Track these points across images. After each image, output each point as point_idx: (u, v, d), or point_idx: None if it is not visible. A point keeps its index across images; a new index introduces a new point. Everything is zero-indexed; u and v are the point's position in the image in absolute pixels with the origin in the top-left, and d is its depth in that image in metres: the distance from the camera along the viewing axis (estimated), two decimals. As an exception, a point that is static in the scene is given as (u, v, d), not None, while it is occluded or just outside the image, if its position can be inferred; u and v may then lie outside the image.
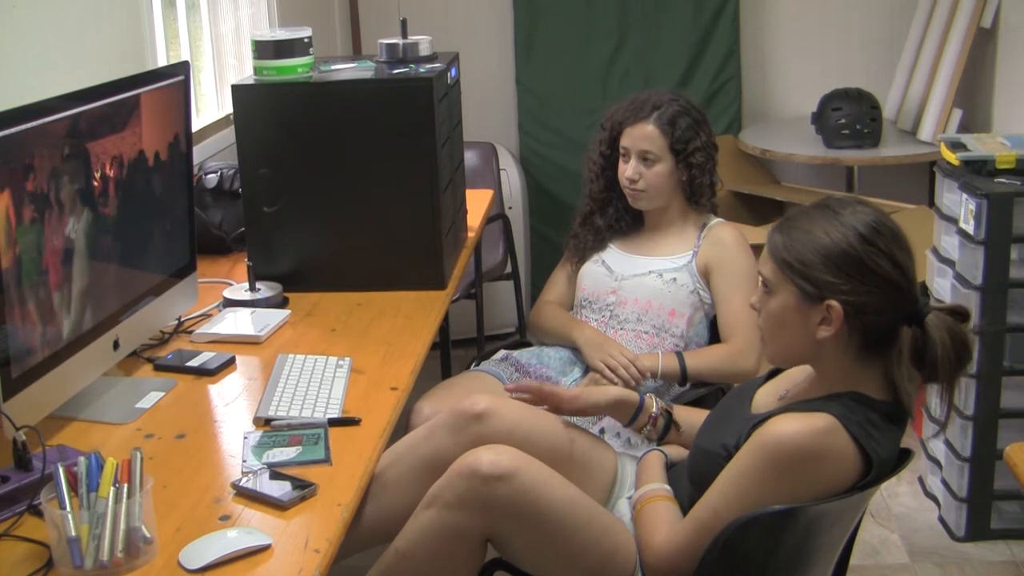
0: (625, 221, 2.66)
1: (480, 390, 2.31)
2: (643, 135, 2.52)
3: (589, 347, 2.48)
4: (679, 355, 2.45)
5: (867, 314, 1.61)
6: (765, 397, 1.83)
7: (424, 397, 2.38)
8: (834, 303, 1.61)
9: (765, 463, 1.60)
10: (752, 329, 2.46)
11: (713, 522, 1.65)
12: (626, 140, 2.55)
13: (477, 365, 2.60)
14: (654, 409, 2.06)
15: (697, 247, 2.56)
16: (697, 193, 2.57)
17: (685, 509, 1.78)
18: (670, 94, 2.59)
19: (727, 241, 2.56)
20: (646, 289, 2.52)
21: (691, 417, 2.06)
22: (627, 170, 2.54)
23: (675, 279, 2.52)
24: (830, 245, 1.61)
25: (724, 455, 1.71)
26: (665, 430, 2.07)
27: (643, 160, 2.52)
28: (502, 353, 2.61)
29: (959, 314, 1.65)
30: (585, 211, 2.69)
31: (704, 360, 2.46)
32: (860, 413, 1.62)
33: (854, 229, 1.61)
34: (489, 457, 1.78)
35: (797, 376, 1.82)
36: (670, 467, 1.96)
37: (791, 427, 1.60)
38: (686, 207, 2.61)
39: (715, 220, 2.62)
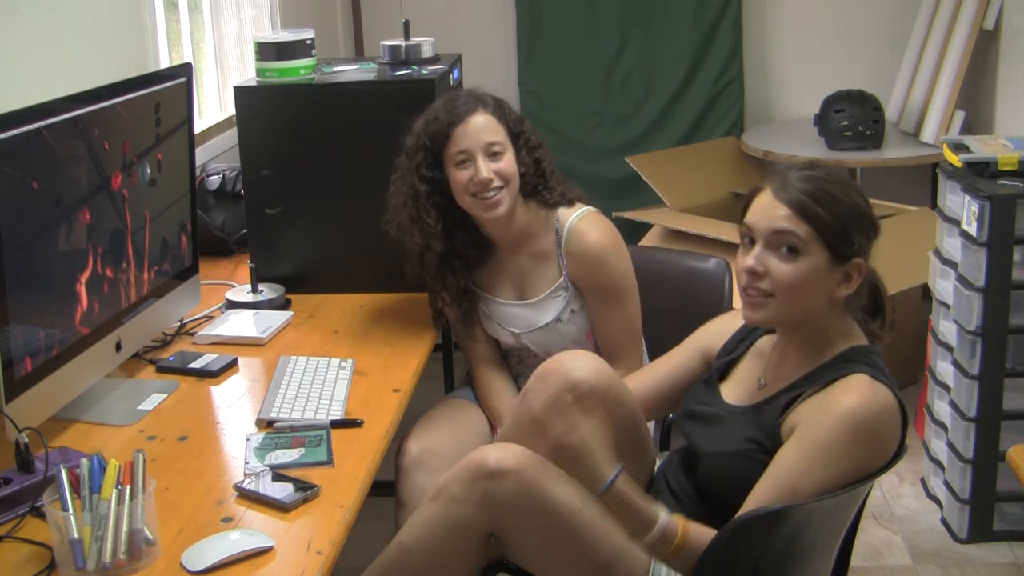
0: (475, 251, 2.28)
1: (467, 426, 2.24)
2: (483, 127, 2.15)
3: None
4: None
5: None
6: (737, 389, 1.85)
7: (411, 436, 2.17)
8: (861, 261, 1.71)
9: (847, 435, 1.64)
10: (637, 345, 2.30)
11: (794, 501, 1.66)
12: (462, 142, 2.14)
13: (454, 390, 2.49)
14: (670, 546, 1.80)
15: (564, 266, 2.24)
16: (546, 179, 2.25)
17: (693, 517, 1.78)
18: (471, 89, 2.25)
19: (591, 255, 2.22)
20: (557, 339, 2.27)
21: (702, 538, 1.77)
22: (479, 172, 2.13)
23: (572, 311, 2.27)
24: (857, 208, 1.70)
25: (756, 448, 1.72)
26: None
27: (490, 156, 2.15)
28: None
29: None
30: (435, 262, 2.23)
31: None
32: (872, 361, 1.70)
33: (855, 190, 1.72)
34: (495, 454, 1.79)
35: (758, 363, 1.85)
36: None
37: (853, 399, 1.65)
38: (524, 207, 2.25)
39: (568, 220, 2.24)
